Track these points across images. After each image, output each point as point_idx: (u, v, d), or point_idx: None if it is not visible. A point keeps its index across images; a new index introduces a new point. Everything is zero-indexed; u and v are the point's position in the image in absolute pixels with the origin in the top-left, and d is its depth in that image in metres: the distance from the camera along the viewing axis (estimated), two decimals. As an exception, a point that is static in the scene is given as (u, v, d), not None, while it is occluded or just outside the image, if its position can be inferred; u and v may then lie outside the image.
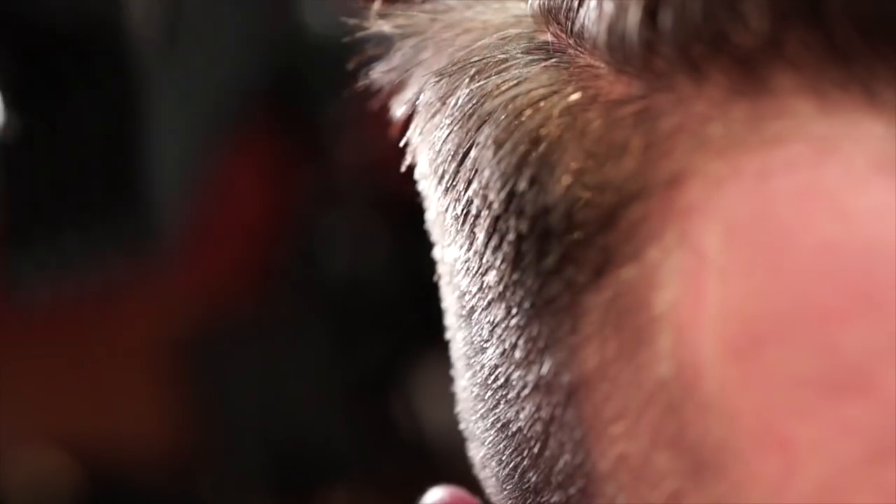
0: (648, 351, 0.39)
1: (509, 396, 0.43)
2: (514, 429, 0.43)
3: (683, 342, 0.39)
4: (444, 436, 1.64)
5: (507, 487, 0.44)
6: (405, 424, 1.75)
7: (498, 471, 0.44)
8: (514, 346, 0.42)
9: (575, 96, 0.40)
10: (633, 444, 0.40)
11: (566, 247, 0.41)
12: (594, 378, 0.41)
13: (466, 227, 0.42)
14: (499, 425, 0.43)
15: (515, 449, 0.43)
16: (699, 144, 0.38)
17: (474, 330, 0.43)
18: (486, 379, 0.43)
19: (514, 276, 0.41)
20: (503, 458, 0.43)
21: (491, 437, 0.44)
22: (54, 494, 1.75)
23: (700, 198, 0.38)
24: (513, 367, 0.42)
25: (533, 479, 0.42)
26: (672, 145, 0.39)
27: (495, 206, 0.41)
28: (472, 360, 0.44)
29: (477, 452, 0.45)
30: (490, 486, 0.45)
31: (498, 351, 0.42)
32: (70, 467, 1.75)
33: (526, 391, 0.42)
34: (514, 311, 0.42)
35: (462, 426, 0.47)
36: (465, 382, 0.45)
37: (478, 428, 0.45)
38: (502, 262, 0.41)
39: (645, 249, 0.40)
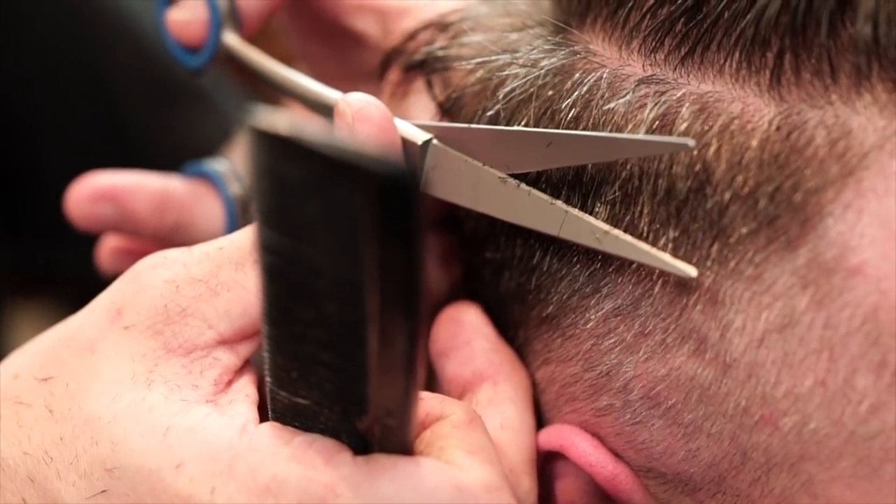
0: (843, 299, 0.56)
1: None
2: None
3: (880, 289, 0.55)
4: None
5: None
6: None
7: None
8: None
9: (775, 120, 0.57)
10: (833, 371, 0.56)
11: (769, 229, 0.57)
12: (787, 325, 0.57)
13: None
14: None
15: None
16: (873, 147, 0.56)
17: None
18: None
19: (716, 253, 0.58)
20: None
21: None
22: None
23: (876, 183, 0.55)
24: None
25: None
26: (846, 147, 0.56)
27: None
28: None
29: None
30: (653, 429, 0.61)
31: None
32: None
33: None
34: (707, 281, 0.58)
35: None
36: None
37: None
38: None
39: (835, 224, 0.56)
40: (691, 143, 0.57)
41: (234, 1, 0.73)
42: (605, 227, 0.60)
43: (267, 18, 0.75)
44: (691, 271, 0.58)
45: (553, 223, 0.61)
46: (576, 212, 0.61)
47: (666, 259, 0.58)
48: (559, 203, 0.61)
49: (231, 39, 0.73)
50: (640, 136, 0.59)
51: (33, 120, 1.14)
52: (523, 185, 0.62)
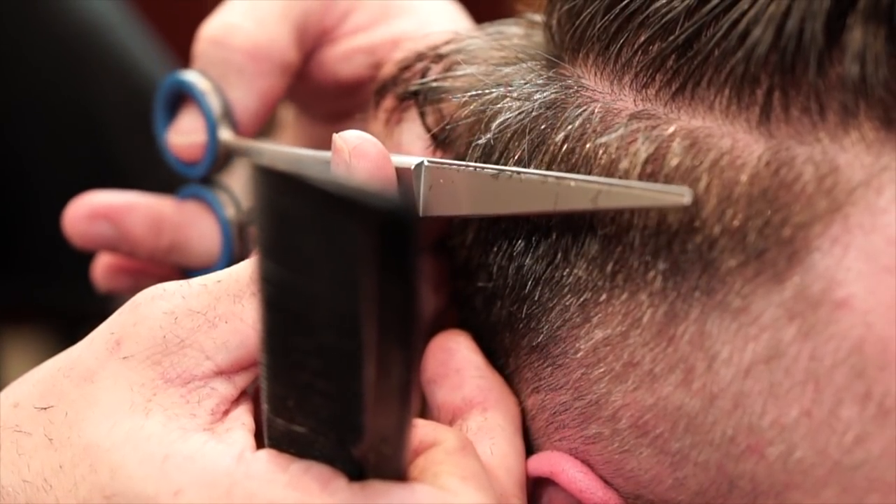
0: (829, 331, 0.57)
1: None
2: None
3: (865, 322, 0.56)
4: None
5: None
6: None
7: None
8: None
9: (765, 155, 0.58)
10: (818, 402, 0.57)
11: (757, 262, 0.58)
12: (773, 356, 0.57)
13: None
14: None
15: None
16: (860, 183, 0.57)
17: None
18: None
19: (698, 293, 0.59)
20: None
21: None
22: None
23: (863, 219, 0.56)
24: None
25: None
26: (834, 183, 0.57)
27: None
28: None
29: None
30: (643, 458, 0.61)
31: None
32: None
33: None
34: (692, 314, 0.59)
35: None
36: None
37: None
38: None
39: (822, 258, 0.57)
40: (687, 199, 0.58)
41: (229, 105, 0.76)
42: (598, 187, 0.60)
43: (262, 122, 0.77)
44: (686, 194, 0.58)
45: (547, 200, 0.61)
46: (568, 183, 0.61)
47: (658, 187, 0.59)
48: (550, 179, 0.61)
49: (226, 135, 0.75)
50: (638, 182, 0.60)
51: (23, 154, 1.15)
52: (515, 175, 0.62)
